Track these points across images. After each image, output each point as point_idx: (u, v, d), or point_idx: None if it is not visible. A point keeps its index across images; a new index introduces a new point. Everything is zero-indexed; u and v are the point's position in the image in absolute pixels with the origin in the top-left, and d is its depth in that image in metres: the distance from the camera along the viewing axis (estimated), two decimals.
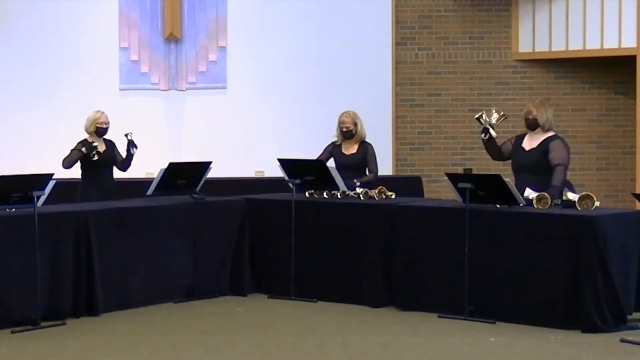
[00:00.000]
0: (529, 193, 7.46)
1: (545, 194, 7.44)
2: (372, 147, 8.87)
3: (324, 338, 6.96)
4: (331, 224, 8.27)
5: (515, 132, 11.38)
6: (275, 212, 8.58)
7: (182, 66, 11.50)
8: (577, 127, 11.96)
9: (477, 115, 8.21)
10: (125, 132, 8.91)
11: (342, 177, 8.44)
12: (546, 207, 7.38)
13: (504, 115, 8.15)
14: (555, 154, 7.87)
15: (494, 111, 8.15)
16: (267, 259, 8.57)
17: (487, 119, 8.11)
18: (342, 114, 8.87)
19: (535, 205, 7.40)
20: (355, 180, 8.45)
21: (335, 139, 8.93)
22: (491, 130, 8.10)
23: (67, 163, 8.69)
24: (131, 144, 8.91)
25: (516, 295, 7.32)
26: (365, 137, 8.86)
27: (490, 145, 8.16)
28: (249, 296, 8.47)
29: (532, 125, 8.05)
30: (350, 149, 8.83)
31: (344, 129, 8.80)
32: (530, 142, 8.05)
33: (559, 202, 7.48)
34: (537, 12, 11.85)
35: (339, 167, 8.71)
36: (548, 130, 8.03)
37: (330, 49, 11.66)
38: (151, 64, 11.46)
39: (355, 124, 8.80)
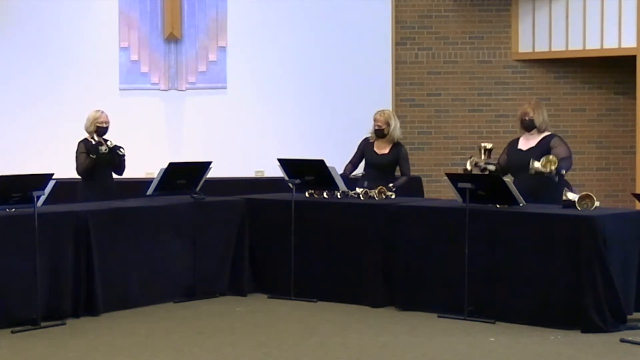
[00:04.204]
0: (572, 196, 7.41)
1: (589, 193, 7.41)
2: (405, 149, 8.86)
3: (324, 338, 6.96)
4: (331, 224, 8.27)
5: (515, 132, 11.40)
6: (275, 212, 8.58)
7: (182, 66, 11.49)
8: (577, 127, 11.97)
9: (469, 166, 8.09)
10: (105, 144, 8.78)
11: (369, 176, 8.51)
12: (591, 207, 7.29)
13: (487, 149, 8.08)
14: (559, 150, 7.90)
15: (480, 149, 8.10)
16: (267, 259, 8.57)
17: (478, 162, 8.04)
18: (377, 112, 8.83)
19: (577, 206, 7.30)
20: (391, 185, 8.43)
21: (369, 135, 8.89)
22: (489, 167, 8.05)
23: (82, 168, 8.66)
24: (115, 148, 8.81)
25: (516, 295, 7.32)
26: (399, 139, 8.83)
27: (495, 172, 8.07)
28: (249, 296, 8.47)
29: (529, 127, 8.06)
30: (383, 149, 8.79)
31: (376, 127, 8.77)
32: (527, 143, 8.06)
33: (563, 174, 7.53)
34: (537, 12, 11.85)
35: (369, 165, 8.75)
36: (544, 130, 8.03)
37: (330, 49, 11.66)
38: (151, 64, 11.46)
39: (388, 124, 8.74)
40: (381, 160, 8.75)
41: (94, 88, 11.27)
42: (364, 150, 8.86)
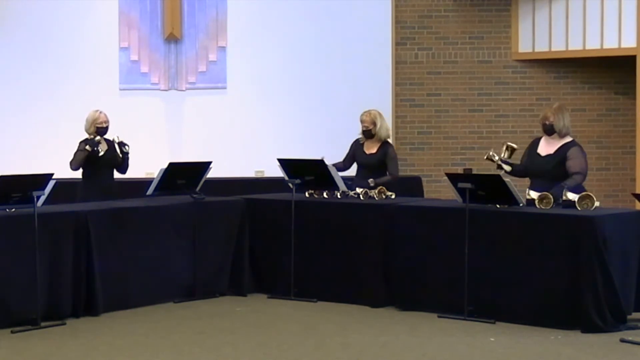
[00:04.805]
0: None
1: (548, 193, 7.42)
2: (392, 148, 8.86)
3: (324, 338, 6.96)
4: (331, 224, 8.27)
5: (515, 132, 11.44)
6: (275, 212, 8.58)
7: (182, 66, 11.50)
8: (577, 127, 11.92)
9: (486, 156, 8.10)
10: (112, 138, 8.87)
11: (360, 176, 8.50)
12: (549, 207, 7.37)
13: (512, 148, 8.05)
14: (574, 162, 7.76)
15: (504, 148, 8.05)
16: (267, 259, 8.57)
17: (497, 157, 8.01)
18: (363, 112, 8.84)
19: (537, 205, 7.39)
20: (370, 180, 8.46)
21: (359, 136, 8.91)
22: (504, 166, 8.01)
23: (75, 164, 8.71)
24: (121, 145, 8.87)
25: (516, 295, 7.32)
26: (387, 138, 8.82)
27: (514, 172, 8.05)
28: (249, 296, 8.47)
29: (549, 131, 7.92)
30: (371, 148, 8.81)
31: (363, 128, 8.79)
32: (546, 148, 7.93)
33: (561, 202, 7.46)
34: (537, 12, 11.85)
35: (359, 165, 8.79)
36: (565, 135, 7.92)
37: (331, 49, 11.66)
38: (151, 64, 11.46)
39: (374, 124, 8.75)
40: (369, 159, 8.77)
41: (94, 88, 11.27)
42: (355, 150, 8.88)
